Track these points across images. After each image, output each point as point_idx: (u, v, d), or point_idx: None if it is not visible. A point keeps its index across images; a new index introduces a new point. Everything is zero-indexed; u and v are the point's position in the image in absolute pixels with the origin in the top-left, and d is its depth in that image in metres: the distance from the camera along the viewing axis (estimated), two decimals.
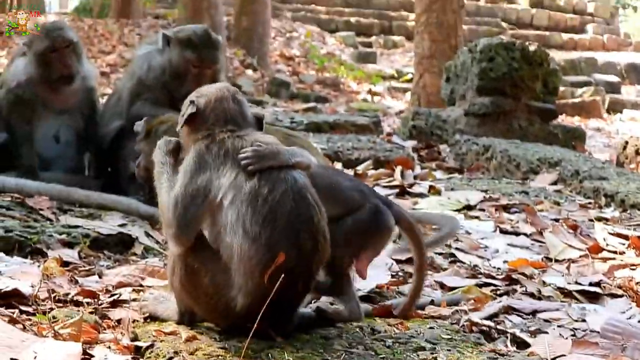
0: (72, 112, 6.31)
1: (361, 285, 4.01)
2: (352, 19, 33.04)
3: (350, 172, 7.98)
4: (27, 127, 6.13)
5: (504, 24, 33.89)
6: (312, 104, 20.37)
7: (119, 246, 4.78)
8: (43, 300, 3.54)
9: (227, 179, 3.08)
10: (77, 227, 4.84)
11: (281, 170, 3.10)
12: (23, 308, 3.43)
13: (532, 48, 11.67)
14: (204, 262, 3.11)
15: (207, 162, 3.12)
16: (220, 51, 6.04)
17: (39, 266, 4.09)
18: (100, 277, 4.06)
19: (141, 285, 3.90)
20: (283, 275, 2.95)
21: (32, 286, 3.61)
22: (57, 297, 3.60)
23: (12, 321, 3.19)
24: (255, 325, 2.95)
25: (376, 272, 4.26)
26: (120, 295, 3.70)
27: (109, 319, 3.42)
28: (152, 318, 3.39)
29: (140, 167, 4.77)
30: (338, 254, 3.36)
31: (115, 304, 3.61)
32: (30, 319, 3.30)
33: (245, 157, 3.09)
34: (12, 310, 3.37)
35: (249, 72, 24.59)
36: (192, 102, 3.27)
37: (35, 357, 2.77)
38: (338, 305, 3.55)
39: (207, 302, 3.13)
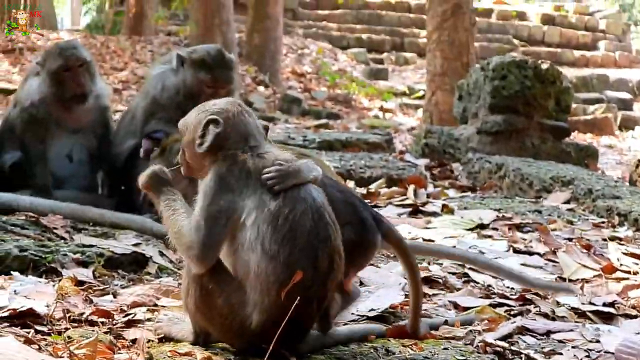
0: (85, 131, 6.33)
1: (374, 305, 4.01)
2: (364, 36, 33.09)
3: (363, 190, 7.98)
4: (40, 146, 6.15)
5: (515, 41, 33.90)
6: (323, 121, 20.42)
7: (133, 265, 4.77)
8: (58, 320, 3.54)
9: (251, 201, 3.07)
10: (91, 246, 4.83)
11: (300, 189, 3.12)
12: (38, 328, 3.43)
13: (544, 66, 11.63)
14: (218, 282, 3.11)
15: (229, 184, 3.12)
16: (234, 71, 6.06)
17: (53, 285, 4.09)
18: (114, 296, 4.06)
19: (155, 305, 3.90)
20: (299, 294, 2.96)
21: (47, 306, 3.61)
22: (72, 317, 3.60)
23: (28, 341, 3.19)
24: (272, 345, 2.95)
25: (389, 292, 4.26)
26: (135, 315, 3.70)
27: (124, 339, 3.41)
28: (167, 339, 3.40)
29: None
30: None
31: (130, 323, 3.60)
32: (45, 339, 3.30)
33: (269, 177, 3.09)
34: (28, 330, 3.37)
35: (261, 88, 24.64)
36: (214, 120, 3.20)
37: None
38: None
39: (222, 322, 3.13)
